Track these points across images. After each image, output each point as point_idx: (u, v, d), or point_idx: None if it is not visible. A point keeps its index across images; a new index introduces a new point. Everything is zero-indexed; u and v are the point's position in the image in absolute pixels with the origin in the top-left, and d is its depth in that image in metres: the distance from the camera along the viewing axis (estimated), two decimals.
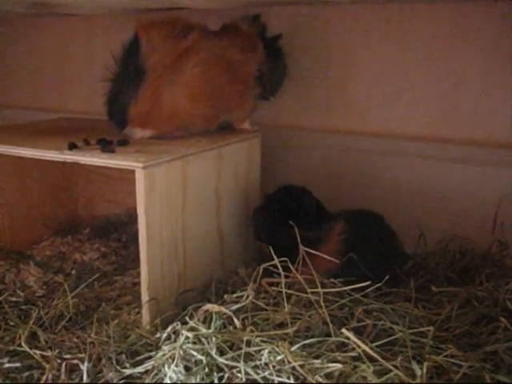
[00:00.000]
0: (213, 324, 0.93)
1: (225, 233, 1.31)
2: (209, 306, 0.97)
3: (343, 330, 0.86)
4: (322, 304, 0.94)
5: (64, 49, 1.86)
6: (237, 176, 1.34)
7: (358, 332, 0.94)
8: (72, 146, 1.16)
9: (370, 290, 1.00)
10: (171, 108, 1.26)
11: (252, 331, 0.89)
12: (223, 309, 0.94)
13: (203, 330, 0.90)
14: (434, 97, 1.43)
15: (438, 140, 1.44)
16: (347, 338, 0.87)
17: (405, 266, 1.30)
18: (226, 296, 1.03)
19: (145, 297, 1.09)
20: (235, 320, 0.92)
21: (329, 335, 0.95)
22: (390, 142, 1.48)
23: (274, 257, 1.04)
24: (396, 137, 1.48)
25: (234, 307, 0.96)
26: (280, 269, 1.01)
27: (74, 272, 1.42)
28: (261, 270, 1.05)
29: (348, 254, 1.17)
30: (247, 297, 0.98)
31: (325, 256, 1.13)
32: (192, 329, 0.92)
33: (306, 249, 1.08)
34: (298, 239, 1.13)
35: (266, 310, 0.99)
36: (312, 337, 0.94)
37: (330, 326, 0.91)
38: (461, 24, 1.36)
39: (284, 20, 1.54)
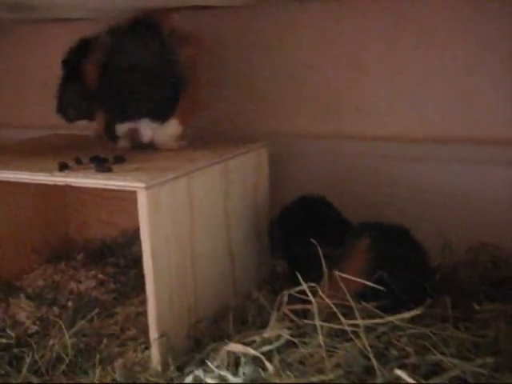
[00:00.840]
0: (240, 369, 0.80)
1: (236, 254, 1.19)
2: (233, 347, 0.84)
3: (397, 372, 0.74)
4: (363, 336, 0.82)
5: (47, 59, 1.72)
6: (245, 190, 1.22)
7: (403, 365, 0.82)
8: (63, 167, 1.03)
9: (410, 315, 0.87)
10: (199, 102, 1.27)
11: (289, 377, 0.76)
12: (251, 350, 0.82)
13: (230, 378, 0.77)
14: (452, 96, 1.31)
15: (459, 141, 1.33)
16: (397, 377, 0.74)
17: (434, 281, 1.19)
18: (256, 337, 0.88)
19: (153, 333, 0.96)
20: (267, 364, 0.79)
21: (369, 370, 0.83)
22: (407, 145, 1.37)
23: (301, 281, 0.92)
24: (413, 140, 1.37)
25: (265, 348, 0.83)
26: (310, 295, 0.89)
27: (70, 304, 1.29)
28: (285, 298, 0.93)
29: (374, 272, 1.05)
30: (278, 336, 0.85)
31: (349, 277, 1.00)
32: (216, 376, 0.79)
33: (337, 272, 0.95)
34: (321, 256, 1.01)
35: (295, 343, 0.86)
36: (351, 373, 0.82)
37: (374, 362, 0.79)
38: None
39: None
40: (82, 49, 1.33)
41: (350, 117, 1.42)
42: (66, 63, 1.37)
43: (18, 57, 1.87)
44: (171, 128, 1.24)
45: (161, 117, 1.23)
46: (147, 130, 1.23)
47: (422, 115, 1.35)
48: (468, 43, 1.28)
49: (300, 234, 1.13)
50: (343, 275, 0.95)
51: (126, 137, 1.27)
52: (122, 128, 1.24)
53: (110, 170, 1.00)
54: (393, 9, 1.33)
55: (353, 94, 1.41)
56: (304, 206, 1.17)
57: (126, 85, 1.20)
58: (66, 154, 1.17)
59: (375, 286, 0.97)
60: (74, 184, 0.99)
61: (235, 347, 0.84)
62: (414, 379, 0.75)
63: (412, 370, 0.81)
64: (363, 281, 0.97)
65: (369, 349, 0.83)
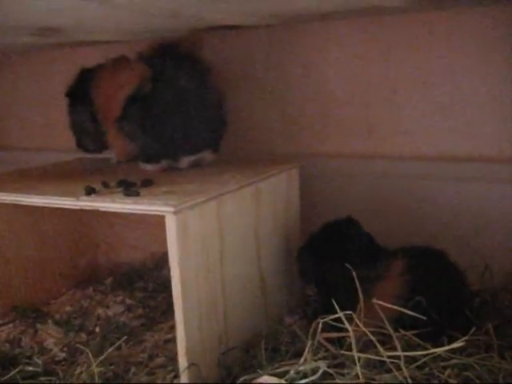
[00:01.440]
0: None
1: (267, 279, 1.15)
2: (266, 379, 0.80)
3: None
4: (404, 368, 0.77)
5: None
6: (276, 213, 1.18)
7: None
8: (90, 191, 1.02)
9: (456, 345, 0.82)
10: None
11: None
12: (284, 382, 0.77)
13: None
14: (488, 114, 1.27)
15: (498, 160, 1.28)
16: None
17: (474, 307, 1.13)
18: (290, 369, 0.84)
19: (183, 363, 0.93)
20: None
21: None
22: (441, 164, 1.32)
23: (337, 308, 0.88)
24: (449, 159, 1.32)
25: (301, 382, 0.79)
26: (346, 323, 0.84)
27: (97, 330, 1.26)
28: (320, 326, 0.88)
29: (411, 296, 1.01)
30: (314, 368, 0.80)
31: (387, 304, 0.95)
32: None
33: (375, 300, 0.90)
34: (356, 280, 0.96)
35: (331, 374, 0.82)
36: None
37: None
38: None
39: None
40: (85, 78, 1.34)
41: (382, 136, 1.38)
42: (72, 95, 1.37)
43: (44, 81, 1.88)
44: None
45: (218, 145, 1.30)
46: (208, 158, 1.29)
47: (457, 133, 1.31)
48: (502, 58, 1.24)
49: (329, 259, 1.09)
50: (380, 302, 0.90)
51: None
52: (187, 159, 1.26)
53: (137, 194, 0.98)
54: (422, 23, 1.29)
55: (384, 113, 1.37)
56: (332, 230, 1.13)
57: (187, 120, 1.22)
58: (93, 178, 1.15)
59: (414, 313, 0.92)
60: (101, 209, 0.97)
61: (268, 379, 0.80)
62: None
63: None
64: (401, 309, 0.92)
65: (410, 381, 0.78)
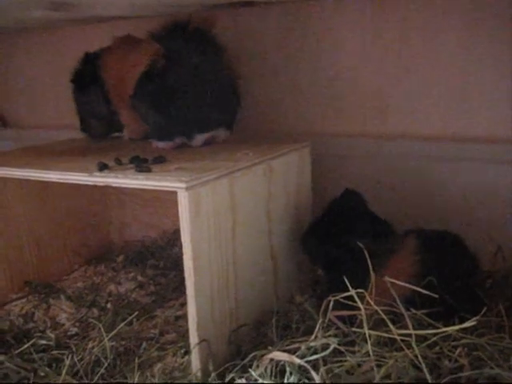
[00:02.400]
0: (285, 379, 0.76)
1: (278, 256, 1.15)
2: (276, 354, 0.80)
3: None
4: (415, 346, 0.77)
5: None
6: (287, 191, 1.18)
7: (458, 379, 0.77)
8: (103, 167, 1.02)
9: (467, 325, 0.82)
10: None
11: None
12: (296, 359, 0.78)
13: None
14: (501, 94, 1.25)
15: (510, 141, 1.26)
16: None
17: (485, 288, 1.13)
18: (302, 346, 0.83)
19: (194, 339, 0.93)
20: (314, 374, 0.75)
21: (421, 382, 0.78)
22: (453, 145, 1.30)
23: (349, 287, 0.87)
24: (460, 140, 1.31)
25: (312, 358, 0.79)
26: (358, 301, 0.84)
27: (109, 306, 1.27)
28: (331, 304, 0.88)
29: (423, 276, 1.00)
30: (324, 344, 0.80)
31: (398, 282, 0.95)
32: None
33: (387, 278, 0.90)
34: (367, 257, 0.96)
35: (342, 352, 0.82)
36: None
37: (427, 374, 0.74)
38: None
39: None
40: (92, 61, 1.34)
41: (395, 116, 1.37)
42: (79, 79, 1.37)
43: (55, 59, 1.87)
44: None
45: (232, 124, 1.30)
46: (222, 136, 1.29)
47: (468, 114, 1.29)
48: None
49: (334, 237, 1.08)
50: (392, 280, 0.90)
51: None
52: (201, 137, 1.25)
53: (149, 170, 0.98)
54: (436, 3, 1.27)
55: (396, 94, 1.35)
56: (334, 208, 1.12)
57: (201, 98, 1.21)
58: (107, 155, 1.16)
59: (427, 292, 0.91)
60: (113, 184, 0.97)
61: (280, 355, 0.80)
62: None
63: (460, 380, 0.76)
64: (414, 287, 0.91)
65: (421, 359, 0.78)
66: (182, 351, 1.05)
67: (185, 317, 1.00)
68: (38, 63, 1.93)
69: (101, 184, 0.98)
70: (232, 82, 1.28)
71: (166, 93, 1.19)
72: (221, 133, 1.28)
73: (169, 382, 0.94)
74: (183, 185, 0.88)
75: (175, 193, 0.90)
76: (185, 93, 1.19)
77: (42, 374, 0.99)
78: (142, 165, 1.01)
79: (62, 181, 1.03)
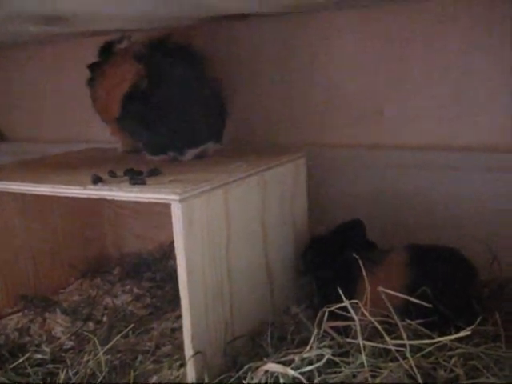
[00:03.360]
0: None
1: (273, 268, 1.15)
2: (271, 366, 0.80)
3: None
4: (409, 356, 0.77)
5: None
6: (282, 203, 1.18)
7: None
8: (96, 180, 1.02)
9: (462, 334, 0.81)
10: None
11: None
12: (290, 370, 0.77)
13: None
14: (497, 103, 1.25)
15: (504, 150, 1.27)
16: None
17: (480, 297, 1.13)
18: (296, 357, 0.83)
19: (189, 351, 0.93)
20: None
21: None
22: (448, 154, 1.31)
23: (343, 297, 0.87)
24: (454, 149, 1.31)
25: (306, 369, 0.79)
26: (352, 312, 0.84)
27: (105, 319, 1.27)
28: (326, 315, 0.88)
29: (415, 286, 1.00)
30: (318, 354, 0.80)
31: (392, 292, 0.94)
32: None
33: (381, 288, 0.90)
34: (362, 269, 0.96)
35: (336, 363, 0.82)
36: None
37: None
38: None
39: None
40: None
41: (390, 126, 1.37)
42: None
43: (55, 72, 1.88)
44: None
45: (221, 136, 1.29)
46: (211, 149, 1.29)
47: (463, 123, 1.30)
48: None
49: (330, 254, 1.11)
50: (386, 290, 0.90)
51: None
52: (192, 152, 1.25)
53: (144, 183, 0.98)
54: (430, 11, 1.28)
55: (391, 103, 1.36)
56: (336, 234, 1.15)
57: (188, 113, 1.22)
58: (102, 168, 1.16)
59: (419, 301, 0.91)
60: (107, 197, 0.97)
61: (274, 367, 0.80)
62: None
63: None
64: (407, 296, 0.91)
65: (415, 369, 0.78)
66: (178, 364, 1.05)
67: (181, 329, 0.99)
68: (35, 77, 1.94)
69: (94, 197, 0.98)
70: (217, 93, 1.28)
71: (151, 112, 1.21)
72: (210, 146, 1.28)
73: None
74: (177, 197, 0.88)
75: (170, 205, 0.90)
76: (170, 110, 1.20)
77: None
78: (136, 177, 1.01)
79: (55, 194, 1.03)
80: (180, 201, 0.88)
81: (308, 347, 0.87)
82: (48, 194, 1.04)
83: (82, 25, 1.30)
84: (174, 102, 1.20)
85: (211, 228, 0.95)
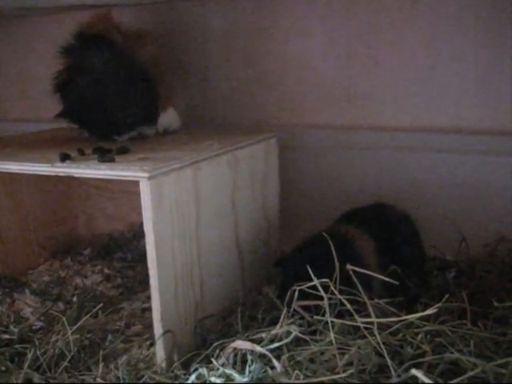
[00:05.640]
0: (247, 368, 0.76)
1: (244, 247, 1.15)
2: (239, 343, 0.80)
3: (413, 371, 0.69)
4: (377, 334, 0.78)
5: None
6: (254, 182, 1.17)
7: (419, 364, 0.78)
8: (64, 158, 1.00)
9: (428, 313, 0.82)
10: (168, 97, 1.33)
11: (298, 376, 0.72)
12: (258, 347, 0.77)
13: (236, 377, 0.73)
14: (467, 85, 1.26)
15: (477, 132, 1.28)
16: (413, 377, 0.70)
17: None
18: (263, 334, 0.84)
19: (158, 329, 0.93)
20: (275, 362, 0.75)
21: (383, 369, 0.78)
22: (420, 136, 1.32)
23: (314, 277, 0.87)
24: (426, 130, 1.32)
25: (273, 346, 0.79)
26: (322, 292, 0.84)
27: (75, 299, 1.26)
28: (296, 293, 0.88)
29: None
30: (287, 332, 0.80)
31: (361, 270, 0.94)
32: (221, 374, 0.75)
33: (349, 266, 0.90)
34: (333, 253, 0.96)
35: (306, 341, 0.82)
36: (363, 371, 0.77)
37: (388, 360, 0.74)
38: None
39: None
40: None
41: (363, 107, 1.37)
42: None
43: (23, 50, 1.84)
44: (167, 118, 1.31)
45: (154, 119, 1.28)
46: (148, 133, 1.29)
47: (435, 105, 1.30)
48: (480, 30, 1.23)
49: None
50: (355, 268, 0.90)
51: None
52: (119, 138, 1.25)
53: (112, 161, 0.97)
54: None
55: (364, 84, 1.36)
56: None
57: (110, 102, 1.20)
58: (72, 146, 1.14)
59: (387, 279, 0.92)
60: (75, 175, 0.96)
61: (242, 344, 0.80)
62: (431, 379, 0.70)
63: (429, 370, 0.77)
64: (377, 275, 0.92)
65: (382, 346, 0.78)
66: (148, 343, 1.05)
67: (151, 309, 0.99)
68: (3, 54, 1.90)
69: (62, 174, 0.97)
70: (144, 78, 1.25)
71: (74, 103, 1.22)
72: (146, 130, 1.28)
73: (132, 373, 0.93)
74: (146, 174, 0.87)
75: (139, 182, 0.89)
76: (91, 100, 1.20)
77: (3, 368, 0.97)
78: (105, 155, 1.00)
79: (22, 171, 1.01)
80: (149, 178, 0.87)
81: (278, 326, 0.87)
82: (15, 171, 1.02)
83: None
84: (92, 93, 1.20)
85: (180, 206, 0.95)
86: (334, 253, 0.90)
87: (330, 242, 0.92)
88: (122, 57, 1.22)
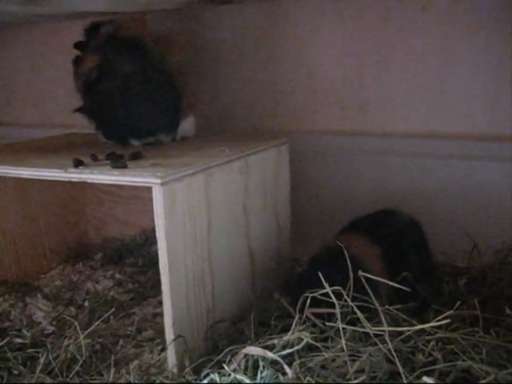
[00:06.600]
0: (259, 374, 0.76)
1: (255, 254, 1.15)
2: (250, 349, 0.80)
3: (425, 378, 0.69)
4: (388, 341, 0.78)
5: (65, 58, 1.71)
6: (265, 188, 1.18)
7: (431, 372, 0.77)
8: (77, 163, 1.01)
9: (441, 322, 0.82)
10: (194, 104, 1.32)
11: (309, 382, 0.72)
12: (269, 353, 0.78)
13: (248, 383, 0.73)
14: (478, 92, 1.26)
15: (486, 138, 1.28)
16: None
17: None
18: (275, 340, 0.83)
19: (169, 335, 0.93)
20: (287, 369, 0.75)
21: (395, 376, 0.78)
22: (431, 142, 1.32)
23: (325, 284, 0.87)
24: (438, 137, 1.32)
25: (284, 352, 0.79)
26: (333, 298, 0.84)
27: (86, 304, 1.26)
28: (308, 300, 0.88)
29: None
30: (299, 339, 0.80)
31: (374, 277, 0.94)
32: (233, 380, 0.75)
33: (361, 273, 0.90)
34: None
35: (318, 348, 0.82)
36: (375, 378, 0.77)
37: (400, 367, 0.74)
38: None
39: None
40: None
41: (373, 114, 1.37)
42: None
43: (35, 55, 1.86)
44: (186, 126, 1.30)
45: (173, 129, 1.27)
46: (164, 141, 1.28)
47: (446, 111, 1.30)
48: (491, 37, 1.23)
49: None
50: (367, 275, 0.90)
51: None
52: (136, 142, 1.26)
53: (125, 166, 0.97)
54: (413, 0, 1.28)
55: (375, 91, 1.36)
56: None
57: (133, 106, 1.21)
58: (84, 152, 1.15)
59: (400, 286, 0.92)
60: (88, 180, 0.97)
61: (253, 350, 0.80)
62: None
63: (440, 377, 0.77)
64: (389, 282, 0.92)
65: (394, 353, 0.78)
66: (159, 348, 1.05)
67: (163, 314, 1.00)
68: (17, 59, 1.92)
69: (76, 180, 0.98)
70: (166, 84, 1.24)
71: (98, 103, 1.23)
72: (162, 138, 1.27)
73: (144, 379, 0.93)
74: (158, 180, 0.88)
75: (152, 189, 0.89)
76: (115, 102, 1.20)
77: (16, 372, 0.98)
78: (117, 161, 1.00)
79: (36, 177, 1.02)
80: (161, 184, 0.88)
81: (290, 332, 0.87)
82: (29, 177, 1.03)
83: (63, 4, 1.28)
84: (118, 95, 1.20)
85: (192, 212, 0.95)
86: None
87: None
88: (151, 62, 1.22)
